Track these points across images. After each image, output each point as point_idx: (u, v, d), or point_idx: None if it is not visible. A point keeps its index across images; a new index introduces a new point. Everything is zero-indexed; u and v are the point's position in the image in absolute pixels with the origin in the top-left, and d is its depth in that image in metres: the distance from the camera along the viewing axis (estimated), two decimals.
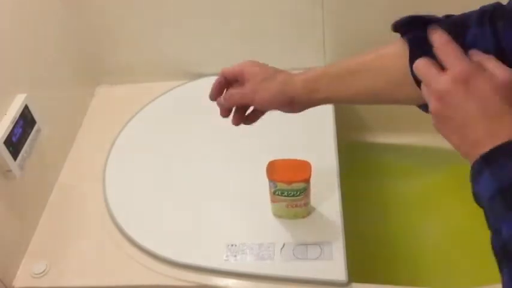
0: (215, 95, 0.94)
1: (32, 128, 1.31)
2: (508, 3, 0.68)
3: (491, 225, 0.56)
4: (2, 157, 1.19)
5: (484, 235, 0.59)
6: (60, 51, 1.56)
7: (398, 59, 0.75)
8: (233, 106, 0.93)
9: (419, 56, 0.65)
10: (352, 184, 1.55)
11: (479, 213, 0.60)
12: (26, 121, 1.29)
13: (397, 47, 0.77)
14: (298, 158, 1.18)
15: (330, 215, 1.23)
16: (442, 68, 0.61)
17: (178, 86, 1.70)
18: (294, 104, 0.90)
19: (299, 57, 1.65)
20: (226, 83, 0.94)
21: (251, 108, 0.97)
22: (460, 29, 0.68)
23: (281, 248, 1.18)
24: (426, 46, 0.66)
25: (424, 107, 0.69)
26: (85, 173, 1.48)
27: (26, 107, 1.29)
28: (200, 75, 1.71)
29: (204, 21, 1.58)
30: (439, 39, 0.64)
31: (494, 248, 0.55)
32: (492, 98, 0.56)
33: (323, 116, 1.49)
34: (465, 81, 0.58)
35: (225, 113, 0.95)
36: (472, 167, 0.57)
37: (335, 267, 1.14)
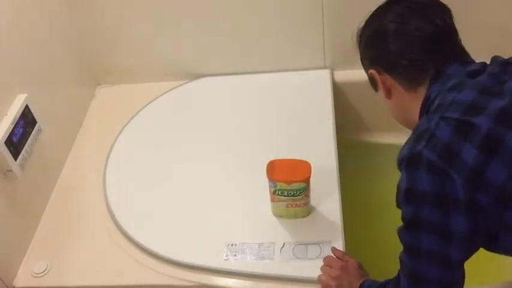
0: None
1: (32, 128, 1.32)
2: None
3: None
4: (3, 157, 1.19)
5: None
6: (61, 52, 1.56)
7: None
8: None
9: None
10: (352, 184, 1.55)
11: None
12: (26, 121, 1.29)
13: None
14: (298, 158, 1.18)
15: (330, 215, 1.24)
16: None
17: (179, 86, 1.70)
18: None
19: (299, 58, 1.65)
20: None
21: None
22: None
23: (281, 248, 1.19)
24: None
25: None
26: (85, 173, 1.48)
27: (27, 107, 1.29)
28: (200, 75, 1.71)
29: (203, 21, 1.59)
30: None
31: None
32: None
33: (323, 116, 1.50)
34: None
35: None
36: None
37: None
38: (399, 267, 0.92)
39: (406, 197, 0.85)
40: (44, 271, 1.24)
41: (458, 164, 0.79)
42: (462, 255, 0.85)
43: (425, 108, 0.92)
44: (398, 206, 0.89)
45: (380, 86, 0.98)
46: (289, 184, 1.16)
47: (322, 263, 1.13)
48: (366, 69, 1.02)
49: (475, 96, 0.83)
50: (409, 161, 0.84)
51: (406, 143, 0.88)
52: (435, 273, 0.85)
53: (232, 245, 1.21)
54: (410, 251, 0.88)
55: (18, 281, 1.24)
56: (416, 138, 0.85)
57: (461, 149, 0.79)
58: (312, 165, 1.16)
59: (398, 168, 0.88)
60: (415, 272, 0.88)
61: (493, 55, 0.94)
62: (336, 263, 1.11)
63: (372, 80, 1.01)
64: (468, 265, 0.86)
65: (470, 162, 0.79)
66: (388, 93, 0.98)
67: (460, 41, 0.95)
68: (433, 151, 0.81)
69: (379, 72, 0.97)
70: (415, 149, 0.83)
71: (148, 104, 1.65)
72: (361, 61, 1.03)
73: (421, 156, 0.82)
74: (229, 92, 1.65)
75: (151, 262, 1.22)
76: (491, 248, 0.89)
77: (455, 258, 0.84)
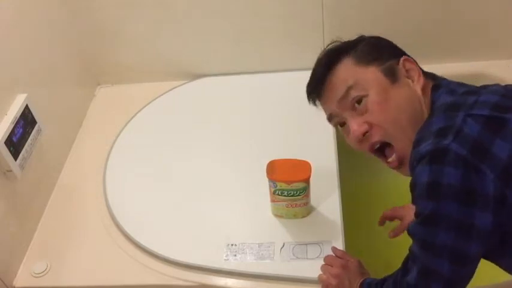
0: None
1: (32, 128, 1.32)
2: None
3: None
4: (2, 157, 1.19)
5: None
6: (61, 52, 1.56)
7: None
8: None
9: None
10: (352, 184, 1.55)
11: None
12: (26, 121, 1.29)
13: None
14: (298, 158, 1.18)
15: (330, 214, 1.24)
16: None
17: (179, 86, 1.70)
18: None
19: (299, 58, 1.65)
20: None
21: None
22: None
23: (281, 248, 1.19)
24: None
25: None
26: (85, 173, 1.48)
27: (27, 107, 1.29)
28: (200, 75, 1.71)
29: (204, 21, 1.59)
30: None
31: None
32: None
33: (323, 116, 1.49)
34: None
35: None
36: None
37: None
38: (408, 261, 0.91)
39: (428, 191, 0.83)
40: (43, 271, 1.24)
41: (491, 159, 0.79)
42: (480, 250, 0.84)
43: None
44: (414, 201, 0.87)
45: (410, 72, 0.98)
46: (289, 184, 1.16)
47: (323, 263, 1.13)
48: (383, 64, 0.99)
49: (498, 98, 0.85)
50: (433, 155, 0.82)
51: (420, 143, 0.86)
52: (446, 268, 0.84)
53: (232, 245, 1.21)
54: (424, 246, 0.87)
55: (18, 281, 1.24)
56: (437, 134, 0.84)
57: (494, 144, 0.79)
58: (312, 165, 1.16)
59: (413, 168, 0.86)
60: (427, 266, 0.87)
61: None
62: (336, 262, 1.11)
63: (392, 71, 0.98)
64: None
65: (505, 157, 0.79)
66: (412, 81, 0.98)
67: None
68: (463, 146, 0.80)
69: (408, 60, 0.98)
70: (441, 144, 0.82)
71: (148, 104, 1.65)
72: (374, 59, 1.00)
73: (449, 151, 0.80)
74: (229, 92, 1.65)
75: (151, 262, 1.22)
76: (496, 256, 0.89)
77: (473, 253, 0.83)
